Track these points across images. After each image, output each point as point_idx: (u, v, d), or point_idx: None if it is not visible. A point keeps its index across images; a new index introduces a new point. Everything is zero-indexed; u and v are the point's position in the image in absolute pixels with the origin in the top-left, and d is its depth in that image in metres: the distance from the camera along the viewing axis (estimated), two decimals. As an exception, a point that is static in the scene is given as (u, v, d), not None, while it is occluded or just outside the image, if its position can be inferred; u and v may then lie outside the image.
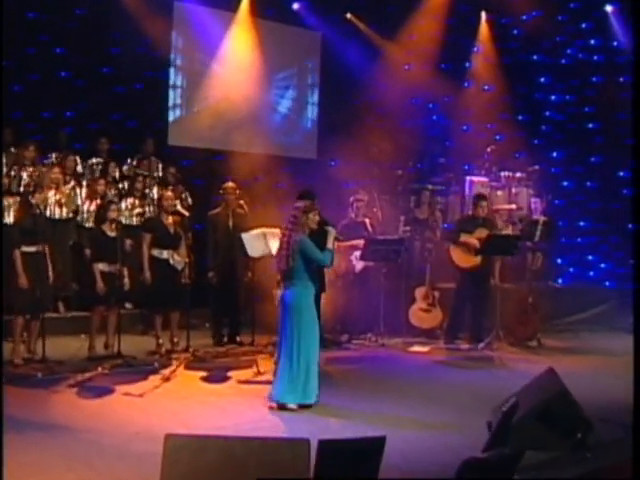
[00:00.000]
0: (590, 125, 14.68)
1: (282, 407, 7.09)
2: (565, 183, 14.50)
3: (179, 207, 10.04)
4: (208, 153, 13.19)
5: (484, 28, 14.93)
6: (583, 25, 14.55)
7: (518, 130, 14.43)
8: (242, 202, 10.28)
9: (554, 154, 14.81)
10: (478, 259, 10.47)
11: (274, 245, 9.82)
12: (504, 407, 5.78)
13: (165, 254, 9.33)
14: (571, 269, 14.37)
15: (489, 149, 13.29)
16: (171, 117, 12.91)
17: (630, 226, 14.37)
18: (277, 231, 10.03)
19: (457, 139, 14.62)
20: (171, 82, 12.85)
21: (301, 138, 14.47)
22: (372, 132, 13.83)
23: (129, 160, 11.86)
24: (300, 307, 7.19)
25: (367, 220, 10.97)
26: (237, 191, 10.29)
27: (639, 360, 7.59)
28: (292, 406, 7.08)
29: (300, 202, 7.70)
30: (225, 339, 10.20)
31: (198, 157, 13.04)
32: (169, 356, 9.21)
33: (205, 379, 8.32)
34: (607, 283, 14.14)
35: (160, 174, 11.96)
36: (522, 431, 5.97)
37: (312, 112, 14.61)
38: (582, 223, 14.53)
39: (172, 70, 12.85)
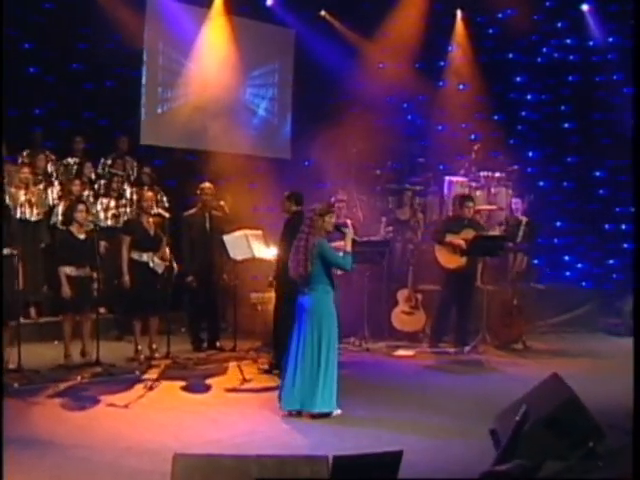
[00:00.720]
0: (566, 125, 14.58)
1: (298, 414, 6.86)
2: (541, 183, 14.37)
3: (159, 209, 9.66)
4: (180, 153, 12.88)
5: (459, 27, 14.75)
6: (559, 24, 14.42)
7: (494, 130, 14.27)
8: (222, 203, 9.98)
9: (530, 154, 14.70)
10: (464, 260, 10.28)
11: (257, 247, 9.61)
12: (517, 416, 5.55)
13: (145, 257, 8.98)
14: (547, 269, 14.26)
15: (475, 147, 13.09)
16: (143, 115, 12.53)
17: (607, 226, 14.39)
18: (259, 233, 9.83)
19: (433, 139, 14.45)
20: (143, 79, 12.47)
21: (275, 137, 14.20)
22: (347, 131, 13.59)
23: (102, 159, 11.48)
24: (321, 313, 6.95)
25: (348, 221, 10.66)
26: (214, 191, 9.98)
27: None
28: (314, 413, 6.83)
29: (316, 205, 7.51)
30: (204, 344, 9.89)
31: (170, 157, 12.73)
32: (149, 363, 8.87)
33: (190, 388, 7.98)
34: (584, 283, 14.06)
35: (134, 174, 11.60)
36: (531, 440, 5.76)
37: (286, 111, 14.33)
38: (558, 223, 14.44)
39: (144, 67, 12.46)
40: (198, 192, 9.88)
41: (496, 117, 14.66)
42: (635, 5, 7.34)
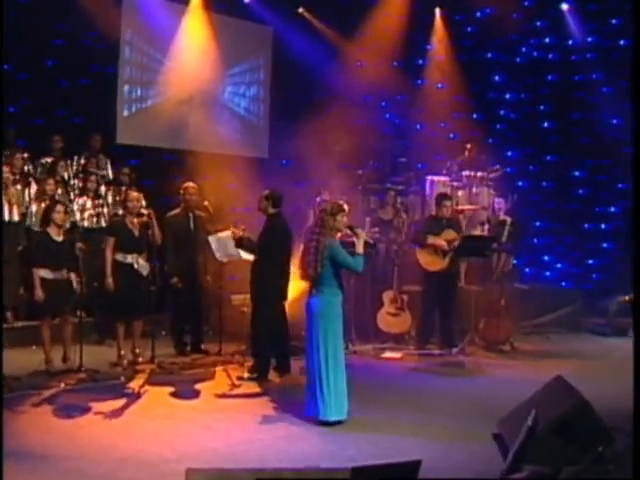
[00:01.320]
0: (545, 124, 14.54)
1: (324, 423, 6.65)
2: (520, 183, 14.29)
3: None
4: (157, 152, 12.61)
5: (438, 25, 14.65)
6: (538, 23, 14.36)
7: (472, 129, 14.20)
8: (206, 203, 9.73)
9: (509, 153, 14.62)
10: (446, 261, 10.13)
11: (243, 249, 9.37)
12: (529, 421, 5.40)
13: (129, 258, 8.71)
14: (527, 269, 14.19)
15: (468, 146, 12.96)
16: (119, 114, 12.22)
17: (586, 226, 14.37)
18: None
19: (413, 138, 14.33)
20: (120, 77, 12.15)
21: (253, 136, 13.94)
22: (326, 130, 13.42)
23: (76, 158, 11.15)
24: (327, 316, 6.73)
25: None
26: (198, 191, 9.74)
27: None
28: (332, 420, 6.64)
29: (326, 204, 7.26)
30: (188, 348, 9.63)
31: (147, 156, 12.44)
32: (133, 368, 8.61)
33: (179, 394, 7.72)
34: (563, 283, 14.03)
35: (109, 172, 11.29)
36: (540, 445, 5.61)
37: (264, 109, 14.11)
38: (538, 223, 14.37)
39: (121, 64, 12.15)
40: (181, 192, 9.63)
41: (475, 116, 14.58)
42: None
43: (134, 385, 7.93)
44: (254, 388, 7.98)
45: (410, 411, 7.12)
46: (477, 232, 11.27)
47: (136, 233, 8.77)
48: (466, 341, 10.15)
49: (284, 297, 8.52)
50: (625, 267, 13.93)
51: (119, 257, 8.70)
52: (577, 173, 14.42)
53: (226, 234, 9.12)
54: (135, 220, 8.77)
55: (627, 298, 11.65)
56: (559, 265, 14.45)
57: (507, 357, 9.94)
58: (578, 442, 5.73)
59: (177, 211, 9.58)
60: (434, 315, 10.33)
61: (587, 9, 13.90)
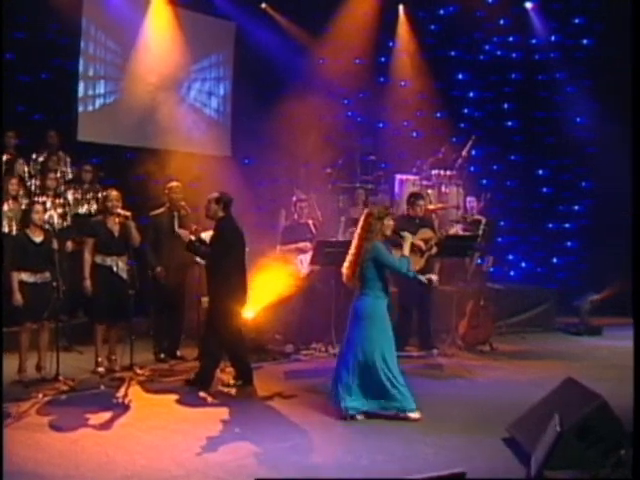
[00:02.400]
0: (509, 123, 14.52)
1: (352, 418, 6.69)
2: (484, 182, 14.23)
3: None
4: (118, 150, 12.18)
5: (402, 22, 14.50)
6: (502, 22, 14.32)
7: (436, 127, 14.11)
8: (183, 203, 9.38)
9: (473, 152, 14.52)
10: (423, 261, 9.96)
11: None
12: (557, 427, 5.23)
13: (109, 261, 8.31)
14: (492, 269, 14.13)
15: (443, 149, 12.80)
16: (80, 110, 11.75)
17: (550, 225, 14.40)
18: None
19: (378, 136, 14.17)
20: (81, 72, 11.69)
21: (215, 134, 13.59)
22: (290, 128, 13.19)
23: (34, 156, 10.64)
24: (372, 317, 6.74)
25: (310, 221, 10.30)
26: (182, 191, 9.41)
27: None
28: (359, 417, 6.71)
29: (372, 207, 7.14)
30: (162, 354, 9.23)
31: (108, 154, 12.00)
32: (111, 376, 8.23)
33: (166, 403, 7.35)
34: (528, 283, 14.01)
35: (69, 170, 10.82)
36: (562, 450, 5.47)
37: (227, 106, 13.77)
38: (502, 222, 14.30)
39: (82, 59, 11.69)
40: (166, 191, 9.29)
41: (439, 115, 14.47)
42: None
43: (117, 394, 7.55)
44: (242, 395, 7.67)
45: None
46: (452, 231, 11.12)
47: (116, 234, 8.37)
48: (448, 342, 10.01)
49: (239, 302, 8.03)
50: (589, 266, 14.12)
51: (98, 259, 8.31)
52: (541, 172, 14.45)
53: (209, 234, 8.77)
54: (116, 220, 8.37)
55: (599, 297, 11.68)
56: (523, 264, 14.45)
57: (489, 358, 9.81)
58: (599, 445, 5.61)
59: (161, 210, 9.22)
60: (411, 317, 10.15)
61: (551, 8, 13.92)
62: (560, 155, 14.01)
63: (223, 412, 7.06)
